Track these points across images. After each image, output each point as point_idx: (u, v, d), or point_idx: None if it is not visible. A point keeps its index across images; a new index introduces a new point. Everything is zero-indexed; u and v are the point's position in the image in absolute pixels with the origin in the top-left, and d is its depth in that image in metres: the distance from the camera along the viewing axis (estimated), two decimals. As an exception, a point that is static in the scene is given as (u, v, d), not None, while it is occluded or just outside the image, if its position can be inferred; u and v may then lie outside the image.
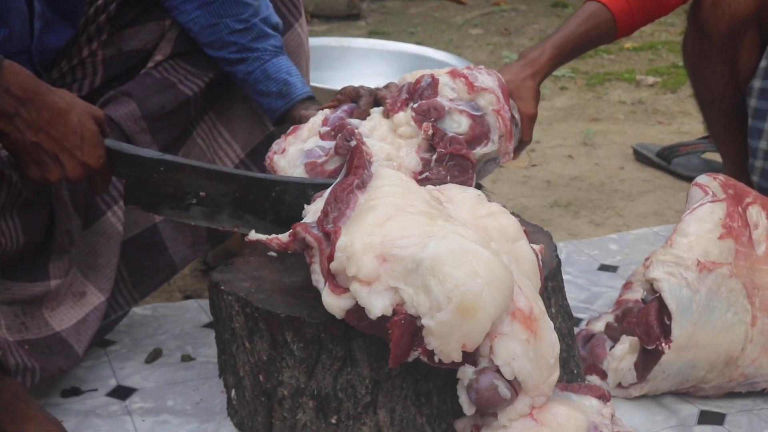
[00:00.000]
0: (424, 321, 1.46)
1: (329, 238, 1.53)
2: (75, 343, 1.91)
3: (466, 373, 1.52)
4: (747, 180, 2.57)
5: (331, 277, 1.52)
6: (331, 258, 1.50)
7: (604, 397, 1.66)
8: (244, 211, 1.78)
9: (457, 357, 1.48)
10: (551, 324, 1.57)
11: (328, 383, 1.61)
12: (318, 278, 1.55)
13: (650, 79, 4.35)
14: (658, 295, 1.89)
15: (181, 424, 1.86)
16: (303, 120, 1.98)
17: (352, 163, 1.62)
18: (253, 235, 1.65)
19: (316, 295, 1.56)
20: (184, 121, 2.10)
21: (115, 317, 2.07)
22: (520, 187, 3.13)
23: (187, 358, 2.09)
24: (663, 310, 1.88)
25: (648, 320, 1.89)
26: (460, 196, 1.69)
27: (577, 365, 1.88)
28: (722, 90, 2.57)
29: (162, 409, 1.91)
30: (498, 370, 1.50)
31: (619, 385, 1.95)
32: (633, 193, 3.08)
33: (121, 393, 1.97)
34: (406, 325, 1.47)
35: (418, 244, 1.48)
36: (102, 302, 1.97)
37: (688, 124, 3.73)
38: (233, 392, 1.75)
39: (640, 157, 3.38)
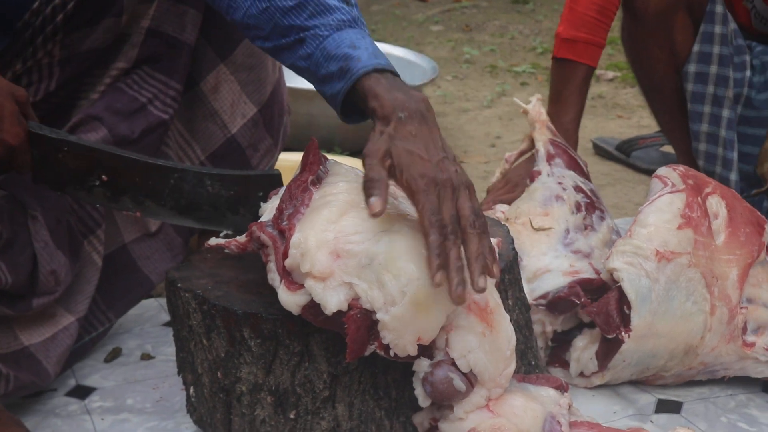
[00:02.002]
0: (379, 315, 1.46)
1: (284, 235, 1.54)
2: (43, 359, 1.89)
3: (422, 366, 1.52)
4: (695, 165, 2.58)
5: (286, 274, 1.52)
6: (285, 255, 1.51)
7: (561, 388, 1.67)
8: (144, 197, 1.79)
9: (413, 350, 1.48)
10: (507, 316, 1.58)
11: (286, 379, 1.61)
12: (274, 276, 1.55)
13: (610, 74, 4.39)
14: (618, 284, 1.91)
15: (141, 423, 1.86)
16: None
17: (306, 160, 1.62)
18: (213, 241, 1.67)
19: (273, 291, 1.56)
20: (158, 142, 2.05)
21: (89, 338, 2.05)
22: (482, 182, 3.13)
23: (146, 356, 2.08)
24: (623, 299, 1.90)
25: (608, 310, 1.91)
26: (415, 192, 1.69)
27: (535, 356, 1.90)
28: (661, 76, 2.59)
29: (121, 408, 1.90)
30: (453, 363, 1.51)
31: (582, 375, 1.97)
32: (593, 187, 3.09)
33: (81, 392, 1.96)
34: (362, 320, 1.47)
35: (371, 239, 1.48)
36: (72, 322, 1.95)
37: (647, 118, 3.76)
38: (192, 389, 1.75)
39: (599, 150, 3.41)
